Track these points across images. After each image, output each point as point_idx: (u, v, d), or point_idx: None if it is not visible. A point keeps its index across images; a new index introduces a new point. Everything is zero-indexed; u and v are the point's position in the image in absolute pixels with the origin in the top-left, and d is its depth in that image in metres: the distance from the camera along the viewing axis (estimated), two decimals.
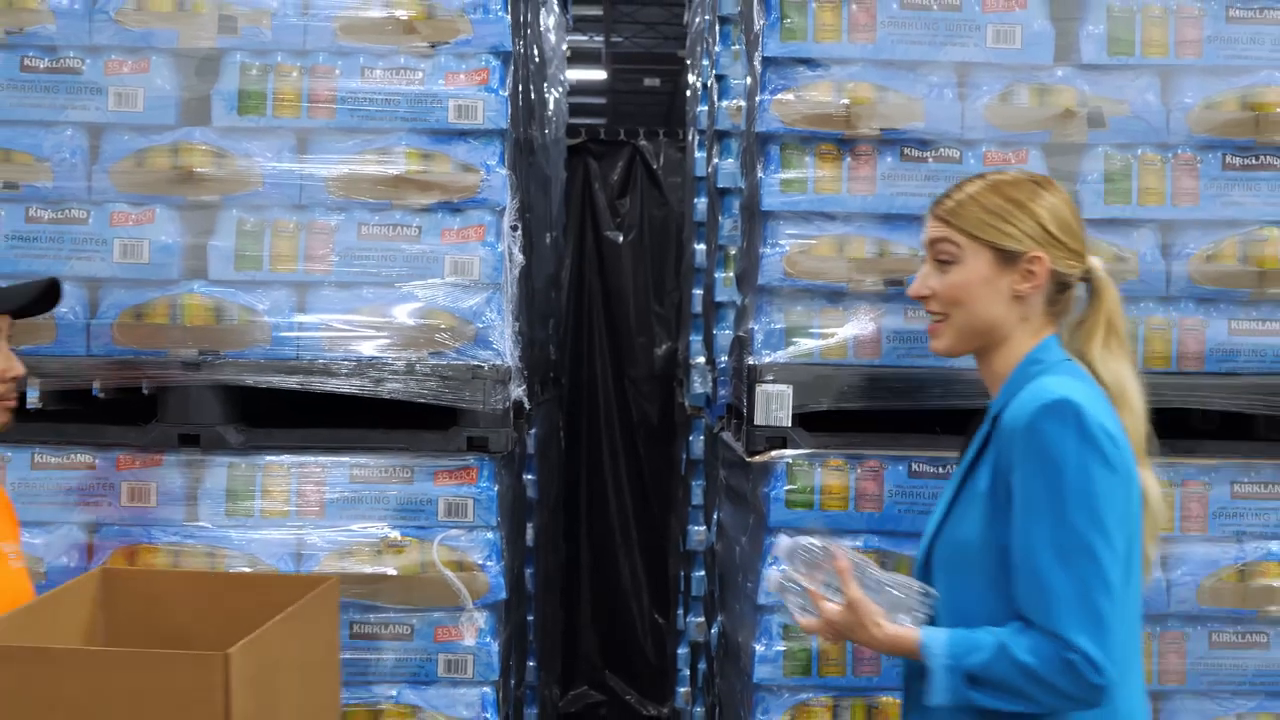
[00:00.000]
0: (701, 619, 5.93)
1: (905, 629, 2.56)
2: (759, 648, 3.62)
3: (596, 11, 14.25)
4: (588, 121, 12.52)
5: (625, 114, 16.11)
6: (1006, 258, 2.58)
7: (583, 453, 8.47)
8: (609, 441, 8.54)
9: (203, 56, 3.77)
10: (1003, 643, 2.46)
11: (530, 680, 5.56)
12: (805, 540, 2.65)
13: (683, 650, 6.55)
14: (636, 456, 8.50)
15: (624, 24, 15.23)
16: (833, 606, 2.57)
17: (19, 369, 2.75)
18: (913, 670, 2.66)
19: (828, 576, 2.61)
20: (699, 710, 6.10)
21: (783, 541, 2.66)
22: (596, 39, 15.07)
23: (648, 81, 15.67)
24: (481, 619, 3.69)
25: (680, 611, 6.71)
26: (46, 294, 2.82)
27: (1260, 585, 3.70)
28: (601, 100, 16.29)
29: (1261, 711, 3.71)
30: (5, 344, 2.73)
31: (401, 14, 3.75)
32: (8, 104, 3.74)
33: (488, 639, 3.69)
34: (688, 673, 6.67)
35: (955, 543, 2.60)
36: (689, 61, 7.20)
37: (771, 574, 2.67)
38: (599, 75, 15.60)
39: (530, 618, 5.50)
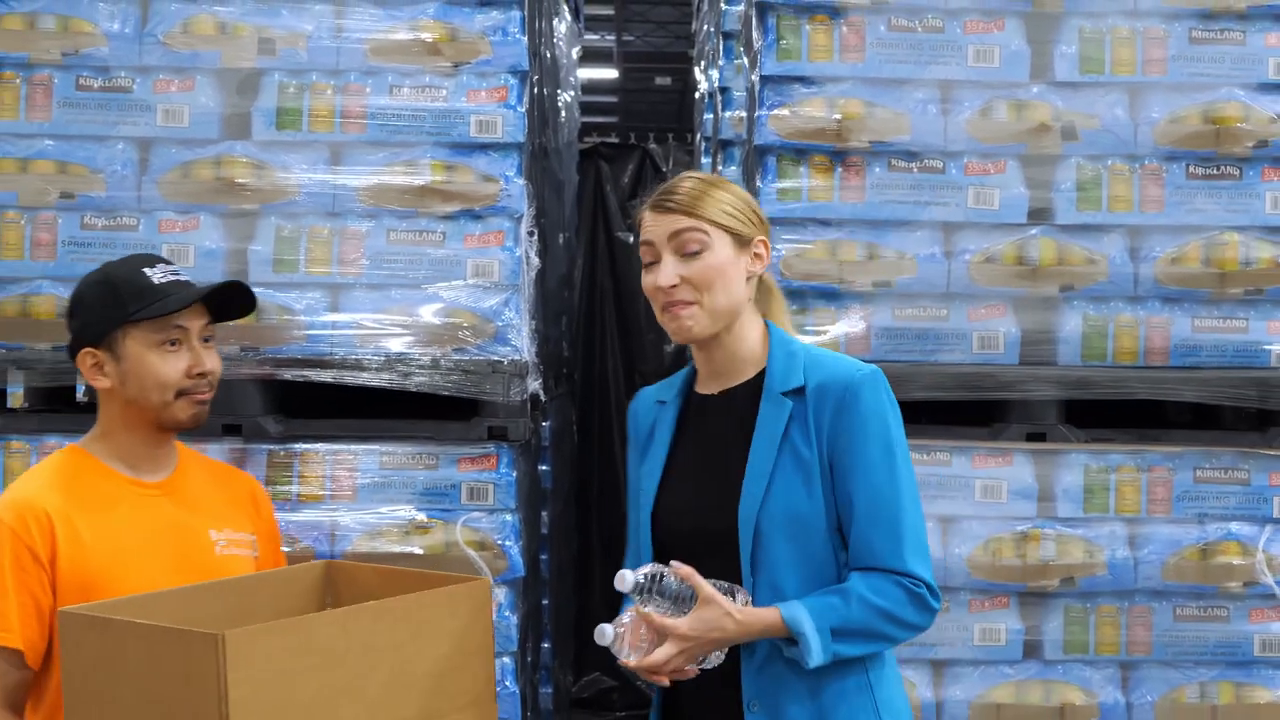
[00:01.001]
0: None
1: (763, 610, 2.60)
2: None
3: (608, 11, 14.25)
4: (599, 120, 12.51)
5: (636, 112, 16.08)
6: (740, 243, 2.74)
7: (595, 447, 8.49)
8: (620, 436, 8.46)
9: (243, 76, 3.97)
10: (856, 592, 2.60)
11: (545, 661, 5.68)
12: (639, 571, 2.60)
13: None
14: None
15: (635, 23, 15.22)
16: (683, 620, 2.57)
17: (205, 365, 2.88)
18: (761, 652, 2.67)
19: (671, 593, 2.58)
20: None
21: (626, 576, 2.57)
22: (608, 38, 15.07)
23: (659, 80, 15.66)
24: (502, 595, 3.89)
25: None
26: (228, 292, 2.97)
27: (1220, 563, 3.90)
28: (613, 99, 16.28)
29: (1221, 680, 3.91)
30: (195, 341, 2.87)
31: (427, 36, 3.95)
32: (64, 120, 3.94)
33: (508, 613, 3.90)
34: None
35: (793, 513, 2.66)
36: (697, 68, 7.36)
37: (604, 630, 2.61)
38: (610, 74, 15.61)
39: (545, 602, 5.62)
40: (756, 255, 2.77)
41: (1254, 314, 3.97)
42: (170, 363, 2.83)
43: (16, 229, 3.94)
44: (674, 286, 2.70)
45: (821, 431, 2.67)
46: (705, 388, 2.84)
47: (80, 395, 4.39)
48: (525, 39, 4.01)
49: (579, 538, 8.24)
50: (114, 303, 2.82)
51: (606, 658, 9.09)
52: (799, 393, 2.70)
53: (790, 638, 2.61)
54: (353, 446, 3.88)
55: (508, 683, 3.90)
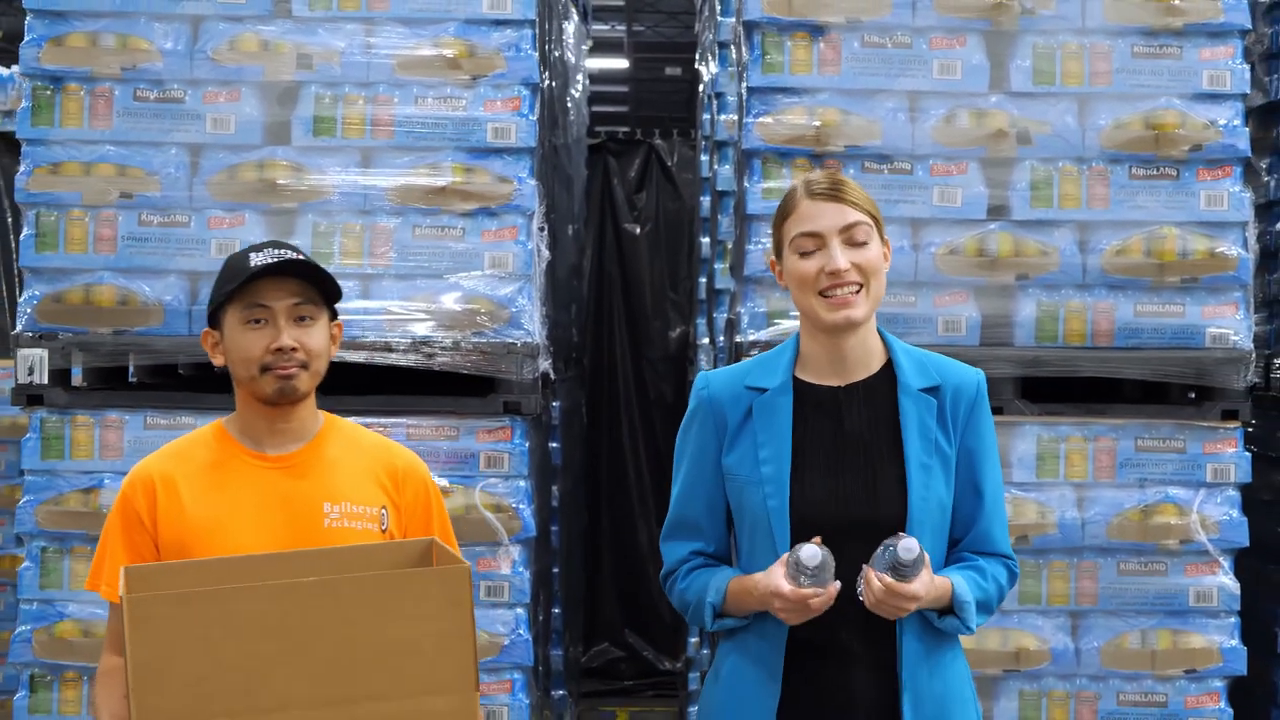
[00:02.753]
0: None
1: (941, 579, 2.70)
2: None
3: (618, 1, 14.31)
4: (610, 109, 12.58)
5: (647, 102, 16.00)
6: (882, 240, 2.80)
7: (603, 429, 8.66)
8: (628, 418, 8.76)
9: (284, 88, 4.31)
10: (990, 572, 2.78)
11: (556, 626, 5.92)
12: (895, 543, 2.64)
13: None
14: (653, 432, 8.70)
15: (646, 13, 15.25)
16: (917, 583, 2.61)
17: (284, 341, 2.85)
18: (913, 640, 2.74)
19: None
20: (706, 653, 6.56)
21: (905, 542, 2.60)
22: (619, 28, 15.11)
23: (669, 70, 15.71)
24: (516, 552, 4.23)
25: None
26: (319, 274, 2.90)
27: (1159, 523, 4.26)
28: (624, 89, 16.29)
29: (1160, 628, 4.27)
30: (283, 319, 2.85)
31: (448, 52, 4.30)
32: (123, 128, 4.29)
33: (521, 569, 4.25)
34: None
35: (940, 503, 2.76)
36: (701, 66, 7.60)
37: (878, 579, 2.62)
38: (621, 64, 15.66)
39: (556, 570, 5.86)
40: (885, 253, 2.82)
41: (1190, 300, 4.29)
42: (253, 339, 2.85)
43: (81, 225, 4.30)
44: (847, 270, 2.72)
45: (957, 427, 2.79)
46: (822, 378, 2.82)
47: (131, 376, 4.80)
48: (536, 54, 4.34)
49: (589, 515, 8.43)
50: (219, 285, 2.93)
51: (614, 629, 8.97)
52: (933, 390, 2.78)
53: (946, 608, 2.72)
54: (383, 420, 4.16)
55: (521, 630, 4.25)
